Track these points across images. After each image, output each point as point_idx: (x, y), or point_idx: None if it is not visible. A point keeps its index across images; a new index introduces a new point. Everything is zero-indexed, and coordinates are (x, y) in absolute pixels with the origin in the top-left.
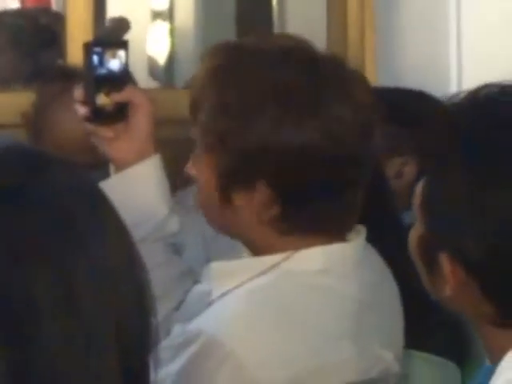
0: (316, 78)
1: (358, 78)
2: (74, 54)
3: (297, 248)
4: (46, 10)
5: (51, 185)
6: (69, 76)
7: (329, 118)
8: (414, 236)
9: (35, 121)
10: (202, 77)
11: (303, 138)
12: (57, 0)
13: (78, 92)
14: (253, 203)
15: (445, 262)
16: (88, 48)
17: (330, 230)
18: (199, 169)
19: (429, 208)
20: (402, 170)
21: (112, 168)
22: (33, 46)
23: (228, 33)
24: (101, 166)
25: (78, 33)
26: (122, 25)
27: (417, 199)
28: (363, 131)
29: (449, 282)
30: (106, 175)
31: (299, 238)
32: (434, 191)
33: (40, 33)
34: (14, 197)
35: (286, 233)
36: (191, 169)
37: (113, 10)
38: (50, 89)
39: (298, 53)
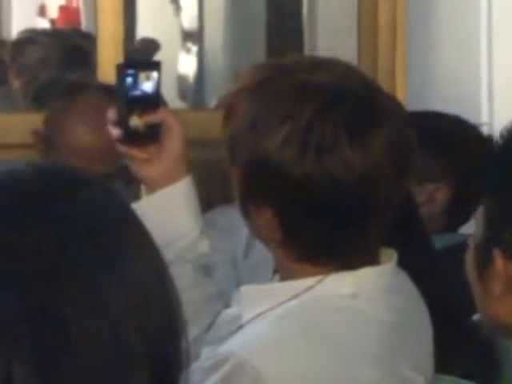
0: (334, 119)
1: (392, 106)
2: (105, 75)
3: (326, 272)
4: (77, 30)
5: (83, 203)
6: (77, 88)
7: (333, 159)
8: (469, 253)
9: (46, 136)
10: (234, 92)
11: (303, 168)
12: (87, 20)
13: (111, 113)
14: (263, 222)
15: (498, 257)
16: (121, 69)
17: (346, 260)
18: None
19: (488, 211)
20: (434, 195)
21: (144, 189)
22: (63, 67)
23: (258, 53)
24: (114, 176)
25: (108, 53)
26: (152, 46)
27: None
28: (370, 178)
29: (499, 279)
30: (137, 195)
31: (315, 265)
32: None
33: (70, 53)
34: (47, 214)
35: (295, 259)
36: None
37: (143, 31)
38: (59, 102)
39: (326, 88)
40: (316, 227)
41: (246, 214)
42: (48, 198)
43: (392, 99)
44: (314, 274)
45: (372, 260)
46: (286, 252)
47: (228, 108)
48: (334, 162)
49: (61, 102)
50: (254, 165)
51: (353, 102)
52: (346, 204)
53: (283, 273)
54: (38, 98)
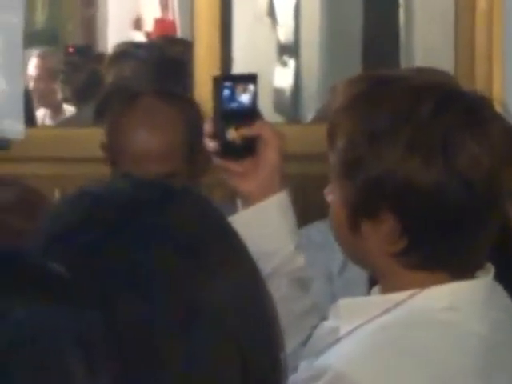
0: (452, 116)
1: (499, 117)
2: (202, 87)
3: (423, 284)
4: (173, 40)
5: (179, 215)
6: (131, 95)
7: (461, 155)
8: None
9: (109, 145)
10: (340, 104)
11: (431, 176)
12: (183, 32)
13: (208, 126)
14: (379, 234)
15: None
16: (218, 82)
17: (458, 268)
18: (333, 194)
19: None
20: None
21: (239, 202)
22: (159, 80)
23: (354, 67)
24: (177, 176)
25: (205, 66)
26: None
27: None
28: (496, 172)
29: None
30: (234, 209)
31: (426, 273)
32: None
33: (167, 66)
34: (143, 226)
35: (412, 267)
36: (328, 194)
37: (239, 44)
38: (116, 109)
39: (436, 89)
40: (443, 233)
41: (354, 229)
42: (145, 211)
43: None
44: (424, 283)
45: (474, 270)
46: (401, 262)
47: (333, 124)
48: (463, 160)
49: (117, 110)
50: (376, 179)
51: (463, 98)
52: (474, 205)
53: (388, 284)
54: (101, 111)
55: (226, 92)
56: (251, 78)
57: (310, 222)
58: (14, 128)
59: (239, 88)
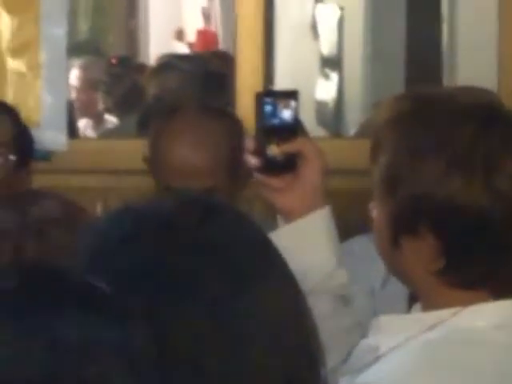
0: (494, 137)
1: None
2: (244, 100)
3: (464, 302)
4: (215, 54)
5: (219, 231)
6: (173, 108)
7: (502, 176)
8: None
9: (152, 158)
10: (384, 121)
11: (472, 197)
12: (225, 44)
13: (249, 142)
14: (419, 252)
15: None
16: (260, 98)
17: (498, 286)
18: (376, 210)
19: None
20: None
21: (280, 219)
22: (201, 92)
23: (396, 81)
24: (218, 190)
25: (247, 78)
26: None
27: None
28: None
29: None
30: (274, 225)
31: (466, 291)
32: None
33: (209, 79)
34: (185, 242)
35: (452, 286)
36: (372, 209)
37: (282, 56)
38: (158, 122)
39: (479, 109)
40: (482, 254)
41: (395, 246)
42: (186, 227)
43: None
44: (465, 301)
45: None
46: (441, 279)
47: (376, 140)
48: (504, 182)
49: (159, 123)
50: (417, 197)
51: (505, 119)
52: None
53: (428, 301)
54: (144, 123)
55: (268, 108)
56: (292, 94)
57: (351, 236)
58: (57, 139)
59: (281, 104)
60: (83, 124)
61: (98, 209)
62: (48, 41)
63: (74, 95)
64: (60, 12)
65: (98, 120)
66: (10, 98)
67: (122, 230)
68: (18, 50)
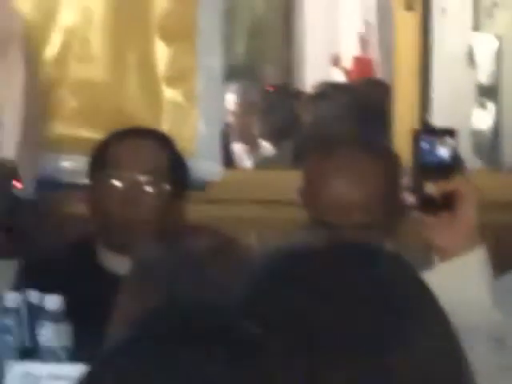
0: None
1: None
2: (400, 132)
3: None
4: (371, 82)
5: (375, 273)
6: (332, 143)
7: None
8: None
9: (307, 191)
10: None
11: None
12: (383, 72)
13: (407, 180)
14: None
15: None
16: (417, 135)
17: None
18: None
19: None
20: None
21: (435, 256)
22: (357, 123)
23: None
24: (373, 227)
25: (404, 108)
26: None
27: None
28: None
29: None
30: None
31: None
32: None
33: (364, 109)
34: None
35: None
36: None
37: (438, 83)
38: (314, 155)
39: None
40: None
41: None
42: (342, 271)
43: None
44: None
45: None
46: None
47: None
48: None
49: (315, 157)
50: None
51: None
52: None
53: None
54: (300, 153)
55: (425, 146)
56: (450, 133)
57: (505, 272)
58: (212, 169)
59: (438, 141)
60: (238, 148)
61: (253, 239)
62: (204, 70)
63: (229, 119)
64: (217, 41)
65: (253, 145)
66: (165, 127)
67: (276, 271)
68: (174, 79)
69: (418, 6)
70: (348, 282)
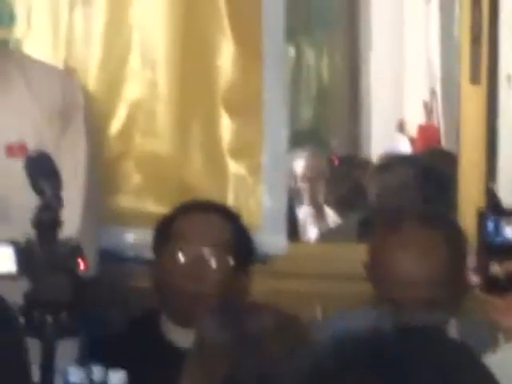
0: None
1: None
2: (465, 207)
3: None
4: (437, 152)
5: (434, 360)
6: (397, 218)
7: None
8: None
9: (372, 265)
10: None
11: None
12: (447, 142)
13: (471, 259)
14: None
15: None
16: (482, 215)
17: None
18: None
19: None
20: None
21: (500, 335)
22: (423, 194)
23: None
24: (437, 303)
25: (470, 181)
26: None
27: None
28: None
29: None
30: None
31: None
32: None
33: (431, 180)
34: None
35: None
36: None
37: (504, 154)
38: (379, 230)
39: None
40: None
41: None
42: (407, 358)
43: None
44: None
45: None
46: None
47: None
48: None
49: (380, 232)
50: None
51: None
52: None
53: None
54: (365, 226)
55: (490, 225)
56: None
57: None
58: (277, 243)
59: (503, 221)
60: (304, 213)
61: (318, 314)
62: (270, 143)
63: (297, 184)
64: (282, 113)
65: (318, 210)
66: (230, 200)
67: (338, 357)
68: (238, 152)
69: (484, 78)
70: (412, 372)
